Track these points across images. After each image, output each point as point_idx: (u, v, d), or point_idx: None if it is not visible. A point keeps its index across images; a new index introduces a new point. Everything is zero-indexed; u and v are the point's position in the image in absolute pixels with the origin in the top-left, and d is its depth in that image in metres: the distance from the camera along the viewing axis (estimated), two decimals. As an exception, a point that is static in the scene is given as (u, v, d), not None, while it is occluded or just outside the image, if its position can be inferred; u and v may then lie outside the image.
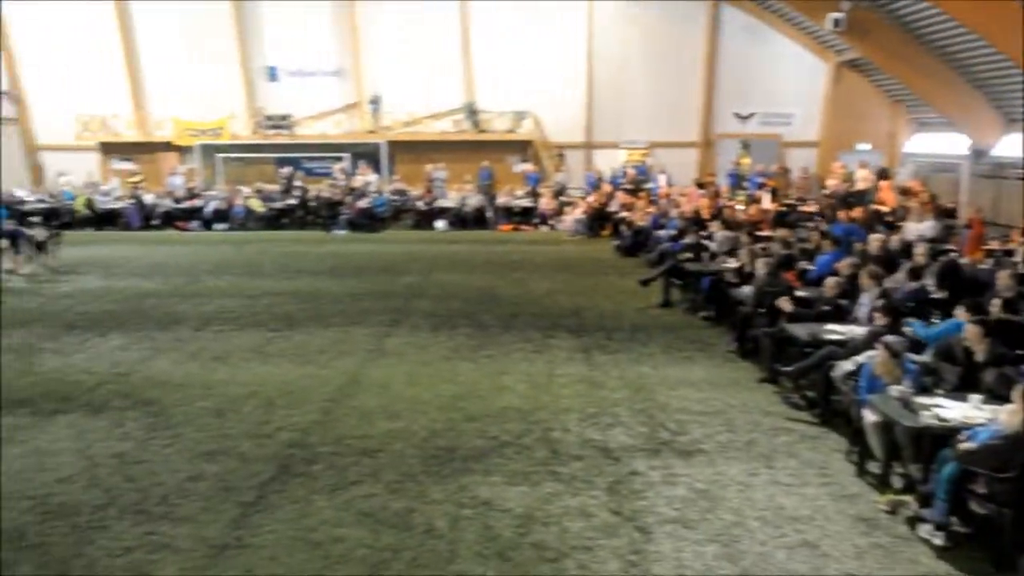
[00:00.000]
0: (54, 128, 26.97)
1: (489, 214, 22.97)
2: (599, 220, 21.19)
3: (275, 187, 24.45)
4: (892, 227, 14.97)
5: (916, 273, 9.82)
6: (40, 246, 16.23)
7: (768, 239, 13.50)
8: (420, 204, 23.35)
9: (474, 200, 23.24)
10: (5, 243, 15.53)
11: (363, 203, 22.67)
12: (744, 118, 25.71)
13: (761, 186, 21.64)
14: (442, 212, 23.04)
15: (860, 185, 20.81)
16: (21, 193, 24.44)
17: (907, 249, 12.00)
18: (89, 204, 23.25)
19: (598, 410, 8.13)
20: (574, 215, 21.76)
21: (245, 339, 10.80)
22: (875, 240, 11.78)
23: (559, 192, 23.81)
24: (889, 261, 10.81)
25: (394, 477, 6.57)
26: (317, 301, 13.14)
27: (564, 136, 26.13)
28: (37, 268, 15.97)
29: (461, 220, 22.75)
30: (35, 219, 17.99)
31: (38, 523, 5.82)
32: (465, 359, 9.89)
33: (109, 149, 27.13)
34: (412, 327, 11.44)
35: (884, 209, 17.92)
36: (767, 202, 19.59)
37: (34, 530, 5.71)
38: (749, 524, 5.86)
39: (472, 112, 25.86)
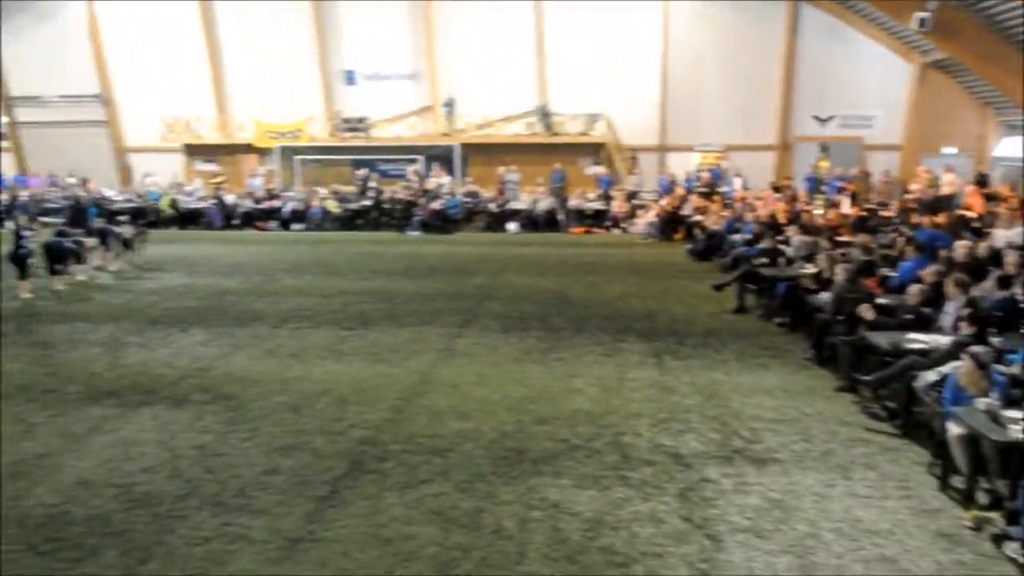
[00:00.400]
0: (141, 130, 28.03)
1: (561, 217, 22.95)
2: (672, 224, 20.97)
3: (351, 189, 24.90)
4: (979, 233, 14.41)
5: (1006, 282, 9.43)
6: (127, 243, 16.88)
7: (848, 244, 13.15)
8: (492, 206, 23.47)
9: (546, 202, 23.26)
10: (94, 241, 16.16)
11: (436, 205, 22.90)
12: (823, 121, 25.13)
13: (840, 190, 21.09)
14: (514, 214, 23.12)
15: (946, 190, 20.08)
16: (110, 193, 25.44)
17: (995, 257, 11.53)
18: (173, 204, 24.06)
19: (669, 415, 8.04)
20: (646, 218, 21.58)
21: (320, 337, 11.02)
22: (962, 247, 11.34)
23: (632, 195, 23.64)
24: (977, 269, 10.40)
25: (464, 477, 6.61)
26: (390, 301, 13.32)
27: (637, 138, 25.95)
28: (124, 265, 16.60)
29: (533, 222, 22.80)
30: (123, 218, 18.60)
31: (122, 511, 6.03)
32: (535, 361, 9.90)
33: (193, 151, 28.04)
34: (483, 328, 11.50)
35: (971, 215, 17.26)
36: (847, 207, 19.08)
37: (118, 517, 5.92)
38: (824, 536, 5.71)
39: (545, 114, 25.88)
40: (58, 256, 14.55)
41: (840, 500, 6.25)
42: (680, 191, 22.60)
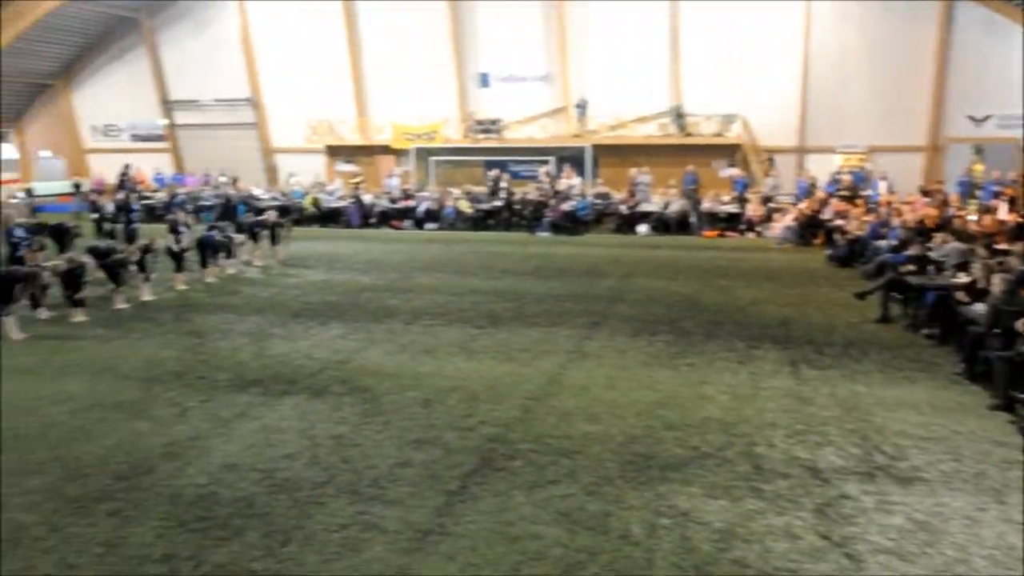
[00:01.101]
0: (287, 132, 29.42)
1: (693, 219, 22.52)
2: (811, 228, 20.19)
3: (483, 189, 25.24)
4: None
5: None
6: (273, 237, 17.69)
7: (1005, 253, 12.30)
8: (623, 208, 23.27)
9: (678, 205, 22.86)
10: (243, 237, 17.03)
11: (567, 206, 22.92)
12: (979, 121, 23.63)
13: (997, 195, 19.74)
14: (645, 216, 22.85)
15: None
16: (257, 191, 26.76)
17: None
18: (315, 203, 25.08)
19: (806, 427, 7.74)
20: (783, 222, 20.86)
21: (452, 334, 11.22)
22: None
23: (767, 198, 22.92)
24: None
25: (591, 479, 6.58)
26: (520, 301, 13.43)
27: (774, 139, 25.18)
28: (270, 261, 17.44)
29: (664, 225, 22.47)
30: (268, 215, 19.47)
31: (265, 494, 6.32)
32: (665, 366, 9.74)
33: (334, 152, 29.17)
34: (612, 331, 11.42)
35: None
36: (1004, 212, 17.85)
37: (262, 500, 6.21)
38: (975, 563, 5.36)
39: (679, 115, 25.48)
40: (210, 250, 15.43)
41: (993, 526, 5.85)
42: (820, 194, 21.74)
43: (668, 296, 13.78)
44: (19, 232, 14.45)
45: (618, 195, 24.16)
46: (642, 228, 22.51)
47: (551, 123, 27.21)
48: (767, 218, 21.91)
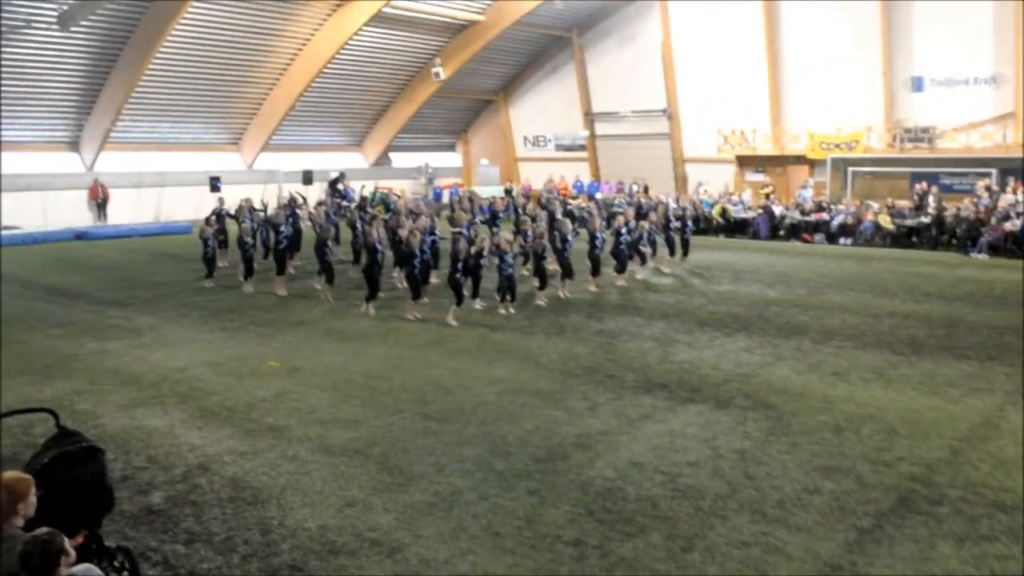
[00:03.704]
0: (698, 142, 29.70)
1: None
2: None
3: (907, 203, 23.14)
4: None
5: None
6: (685, 247, 17.98)
7: None
8: (1085, 230, 19.79)
9: None
10: (648, 249, 17.52)
11: (1009, 225, 20.09)
12: None
13: None
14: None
15: None
16: (670, 201, 27.35)
17: None
18: (723, 213, 24.98)
19: None
20: None
21: (866, 358, 10.44)
22: None
23: None
24: None
25: (1039, 544, 5.66)
26: (948, 328, 12.07)
27: None
28: (677, 269, 17.76)
29: None
30: (676, 224, 19.75)
31: (668, 497, 6.41)
32: None
33: (744, 162, 28.83)
34: (1068, 373, 9.75)
35: None
36: None
37: (665, 504, 6.31)
38: None
39: None
40: (630, 255, 16.16)
41: None
42: None
43: None
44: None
45: (1080, 215, 20.59)
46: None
47: (994, 130, 24.06)
48: None
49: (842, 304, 14.04)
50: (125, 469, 7.06)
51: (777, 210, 24.40)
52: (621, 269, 16.04)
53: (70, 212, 26.01)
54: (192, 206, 26.50)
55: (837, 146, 25.84)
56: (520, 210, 19.25)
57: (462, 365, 10.34)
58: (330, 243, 15.33)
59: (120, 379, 9.90)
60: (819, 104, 26.54)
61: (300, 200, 20.55)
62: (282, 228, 15.86)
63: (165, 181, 28.26)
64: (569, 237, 15.06)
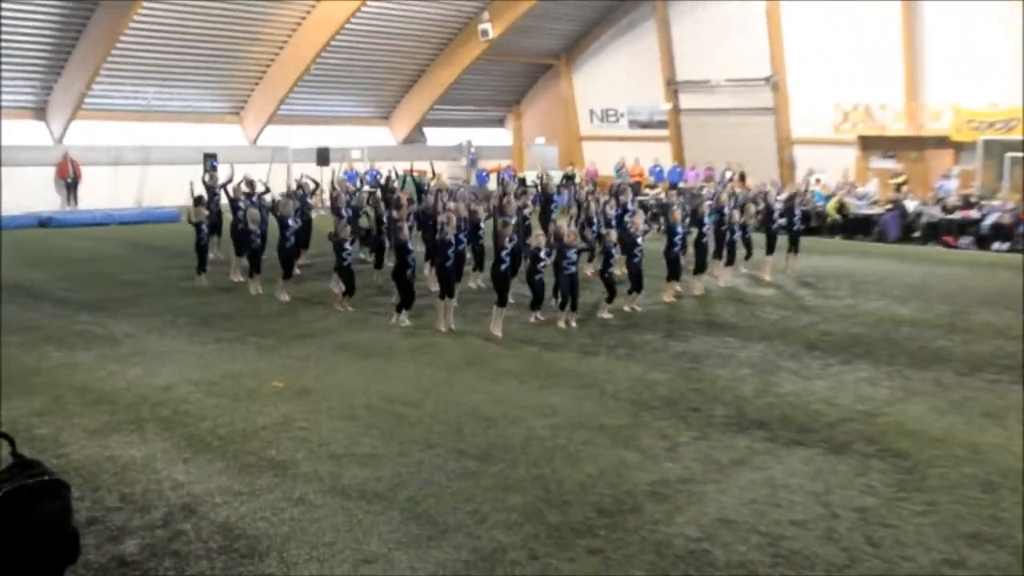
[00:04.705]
0: (810, 119, 29.37)
1: None
2: None
3: (1082, 199, 22.64)
4: None
5: None
6: (772, 249, 17.81)
7: None
8: None
9: None
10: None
11: None
12: None
13: None
14: None
15: None
16: (770, 191, 27.09)
17: None
18: (841, 208, 24.68)
19: None
20: None
21: (1027, 396, 10.23)
22: None
23: None
24: None
25: None
26: None
27: None
28: (780, 275, 17.58)
29: None
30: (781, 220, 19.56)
31: (768, 564, 6.29)
32: None
33: (869, 144, 28.45)
34: None
35: None
36: None
37: (763, 571, 6.19)
38: None
39: None
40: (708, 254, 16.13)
41: None
42: None
43: None
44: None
45: None
46: None
47: None
48: None
49: (996, 326, 13.82)
50: (93, 509, 7.15)
51: (911, 205, 24.07)
52: (701, 268, 16.03)
53: (33, 194, 26.56)
54: (182, 189, 26.93)
55: (991, 125, 25.37)
56: (586, 201, 19.27)
57: (508, 391, 10.34)
58: (347, 243, 15.31)
59: (90, 398, 10.07)
60: (967, 73, 26.06)
61: (312, 186, 20.74)
62: (290, 221, 15.97)
63: (149, 158, 28.83)
64: (639, 239, 14.81)
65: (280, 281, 15.79)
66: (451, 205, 15.88)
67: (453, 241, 13.58)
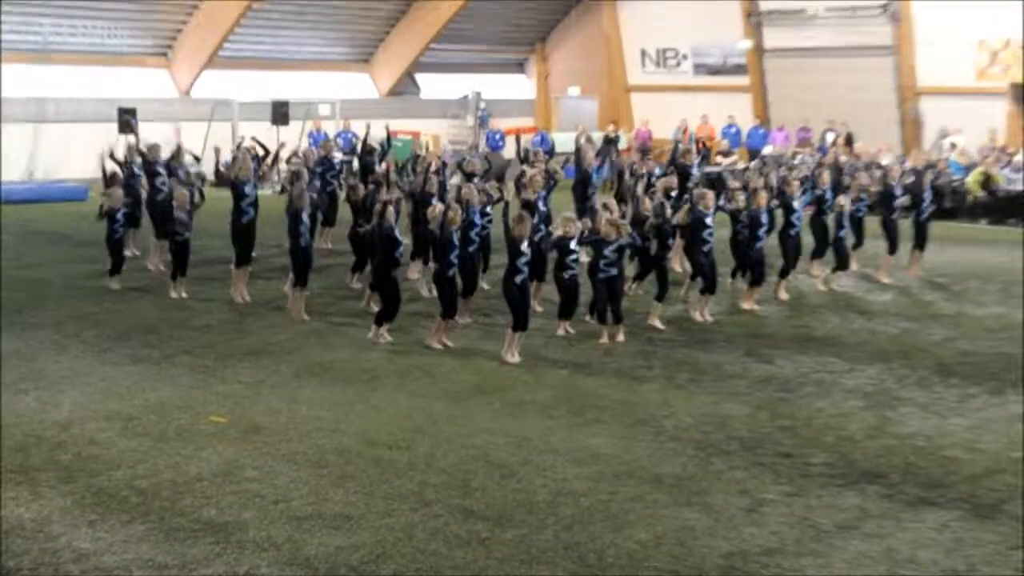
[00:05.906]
0: (944, 61, 29.15)
1: None
2: None
3: None
4: None
5: None
6: (893, 240, 17.76)
7: None
8: None
9: None
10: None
11: None
12: None
13: None
14: None
15: None
16: (885, 161, 27.02)
17: None
18: (986, 182, 24.47)
19: None
20: None
21: None
22: None
23: None
24: None
25: None
26: None
27: None
28: (901, 274, 17.55)
29: None
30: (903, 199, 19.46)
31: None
32: None
33: (1025, 94, 28.24)
34: None
35: None
36: None
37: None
38: None
39: None
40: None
41: None
42: None
43: None
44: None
45: None
46: None
47: None
48: None
49: None
50: (-36, 589, 7.17)
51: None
52: (757, 280, 15.74)
53: None
54: (89, 155, 26.90)
55: None
56: (628, 172, 19.14)
57: (530, 429, 10.32)
58: (305, 216, 15.01)
59: (-37, 438, 10.08)
60: None
61: (259, 151, 20.63)
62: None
63: (46, 114, 28.82)
64: (708, 220, 14.71)
65: (234, 271, 15.76)
66: (461, 188, 15.44)
67: (457, 243, 13.25)
